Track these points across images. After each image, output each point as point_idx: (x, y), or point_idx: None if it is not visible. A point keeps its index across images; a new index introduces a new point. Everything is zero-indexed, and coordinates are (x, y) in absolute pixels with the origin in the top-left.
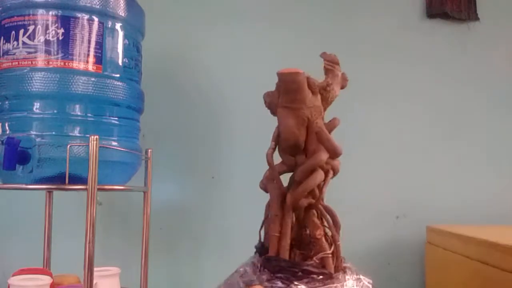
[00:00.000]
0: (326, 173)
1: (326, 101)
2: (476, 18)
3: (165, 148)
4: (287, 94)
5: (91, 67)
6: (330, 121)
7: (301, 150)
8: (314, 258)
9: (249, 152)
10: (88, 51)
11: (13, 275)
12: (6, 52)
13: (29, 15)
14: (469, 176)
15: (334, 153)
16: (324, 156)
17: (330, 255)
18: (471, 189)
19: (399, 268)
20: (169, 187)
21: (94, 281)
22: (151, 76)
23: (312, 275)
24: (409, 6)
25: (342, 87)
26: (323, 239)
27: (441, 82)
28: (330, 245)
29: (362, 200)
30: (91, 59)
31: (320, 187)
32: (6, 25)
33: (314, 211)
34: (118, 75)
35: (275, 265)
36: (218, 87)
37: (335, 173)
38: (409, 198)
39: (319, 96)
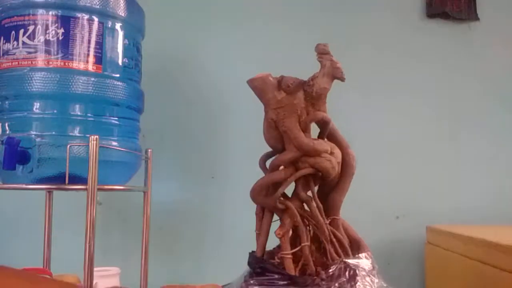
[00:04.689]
0: (297, 170)
1: (311, 96)
2: (476, 18)
3: (165, 148)
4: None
5: (91, 67)
6: (310, 114)
7: (279, 151)
8: (276, 257)
9: (249, 152)
10: (88, 51)
11: None
12: (6, 52)
13: (29, 15)
14: (469, 176)
15: (302, 150)
16: (289, 154)
17: (289, 256)
18: (471, 190)
19: (399, 268)
20: (169, 187)
21: (94, 281)
22: (151, 76)
23: (272, 274)
24: (409, 6)
25: (335, 77)
26: (284, 238)
27: (441, 82)
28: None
29: (362, 200)
30: (91, 59)
31: (300, 186)
32: (6, 25)
33: (290, 211)
34: (118, 75)
35: (248, 260)
36: (218, 87)
37: (321, 171)
38: (409, 198)
39: (299, 94)
